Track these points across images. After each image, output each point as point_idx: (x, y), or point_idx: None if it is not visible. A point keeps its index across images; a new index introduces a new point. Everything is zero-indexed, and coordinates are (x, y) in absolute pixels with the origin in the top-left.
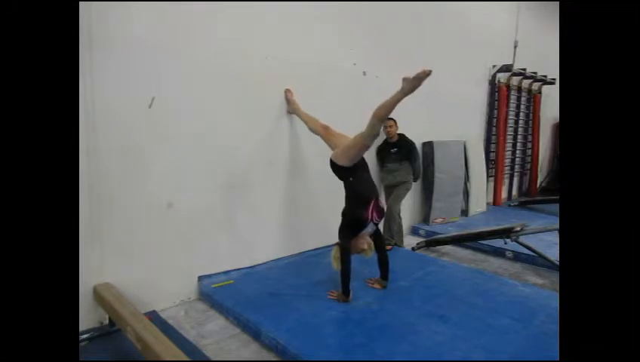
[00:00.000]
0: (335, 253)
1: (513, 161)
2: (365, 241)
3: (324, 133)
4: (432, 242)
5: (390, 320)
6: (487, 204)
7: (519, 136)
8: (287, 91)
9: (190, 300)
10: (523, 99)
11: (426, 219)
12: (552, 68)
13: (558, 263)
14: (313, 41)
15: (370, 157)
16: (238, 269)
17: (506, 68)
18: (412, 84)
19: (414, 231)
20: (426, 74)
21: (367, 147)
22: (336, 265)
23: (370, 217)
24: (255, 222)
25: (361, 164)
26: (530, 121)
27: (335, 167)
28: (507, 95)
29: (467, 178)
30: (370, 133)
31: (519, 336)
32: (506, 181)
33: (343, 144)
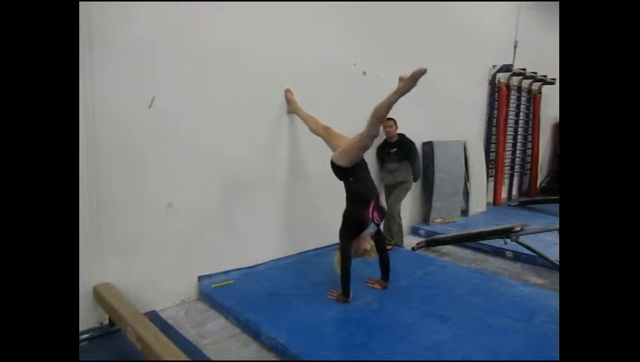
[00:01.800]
0: (338, 257)
1: (513, 161)
2: (367, 242)
3: (325, 134)
4: (432, 242)
5: (390, 320)
6: (487, 204)
7: (519, 136)
8: (287, 91)
9: (190, 300)
10: (523, 99)
11: (426, 219)
12: (552, 68)
13: (558, 263)
14: (313, 41)
15: (370, 157)
16: (238, 269)
17: (506, 68)
18: (409, 84)
19: (414, 231)
20: (422, 72)
21: (366, 148)
22: (339, 269)
23: (370, 217)
24: (255, 222)
25: (361, 164)
26: (530, 121)
27: (335, 168)
28: (507, 95)
29: (467, 178)
30: (369, 134)
31: (519, 336)
32: (506, 181)
33: (343, 145)
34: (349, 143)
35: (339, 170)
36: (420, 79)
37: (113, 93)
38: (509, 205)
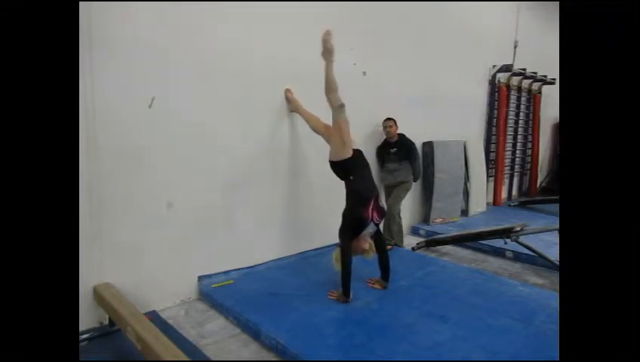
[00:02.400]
0: (336, 254)
1: (513, 161)
2: (366, 242)
3: (326, 132)
4: (432, 242)
5: (390, 320)
6: (487, 204)
7: (519, 136)
8: (287, 91)
9: (190, 300)
10: (523, 99)
11: (426, 219)
12: (552, 68)
13: (558, 263)
14: (313, 41)
15: (370, 157)
16: (238, 269)
17: (506, 68)
18: (325, 52)
19: (414, 231)
20: (328, 35)
21: (345, 122)
22: (337, 267)
23: (370, 217)
24: (255, 222)
25: (361, 163)
26: (530, 121)
27: (335, 166)
28: (507, 95)
29: (467, 178)
30: (336, 107)
31: (519, 336)
32: (506, 181)
33: (331, 139)
34: (333, 132)
35: (338, 168)
36: (420, 79)
37: (113, 93)
38: (509, 205)
